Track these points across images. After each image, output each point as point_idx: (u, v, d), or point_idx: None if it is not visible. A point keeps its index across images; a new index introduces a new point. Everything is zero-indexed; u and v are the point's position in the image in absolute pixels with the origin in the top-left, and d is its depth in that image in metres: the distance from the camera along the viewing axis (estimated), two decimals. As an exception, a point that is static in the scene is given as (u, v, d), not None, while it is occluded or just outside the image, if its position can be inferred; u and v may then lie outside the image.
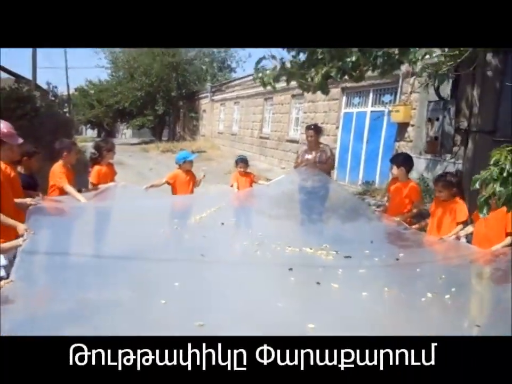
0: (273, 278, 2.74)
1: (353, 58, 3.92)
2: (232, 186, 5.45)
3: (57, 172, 4.24)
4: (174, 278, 2.45)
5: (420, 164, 7.69)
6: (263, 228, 4.04)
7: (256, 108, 17.76)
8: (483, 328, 2.21)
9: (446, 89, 6.95)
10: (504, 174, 2.25)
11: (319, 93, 4.62)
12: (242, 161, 5.52)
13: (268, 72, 4.37)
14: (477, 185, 2.47)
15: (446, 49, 4.04)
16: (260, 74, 4.34)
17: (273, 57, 4.18)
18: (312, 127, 5.50)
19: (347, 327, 2.04)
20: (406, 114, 8.36)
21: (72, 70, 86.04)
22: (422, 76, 6.06)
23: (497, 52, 5.87)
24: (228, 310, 2.14)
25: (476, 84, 6.49)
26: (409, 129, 8.53)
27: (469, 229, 3.69)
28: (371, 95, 10.17)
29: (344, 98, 11.21)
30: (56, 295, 2.07)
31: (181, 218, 4.07)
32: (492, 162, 2.42)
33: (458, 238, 3.67)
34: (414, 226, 4.06)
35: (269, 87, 4.66)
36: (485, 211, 2.52)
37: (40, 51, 34.25)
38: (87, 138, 28.53)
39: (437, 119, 7.26)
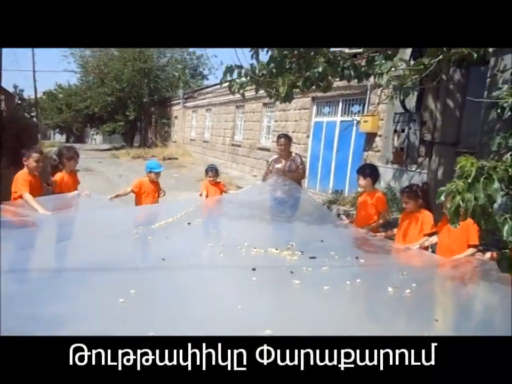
0: (235, 281, 2.73)
1: (320, 69, 3.96)
2: (201, 195, 5.41)
3: (20, 179, 4.13)
4: (131, 285, 2.41)
5: (387, 173, 7.86)
6: (229, 230, 4.05)
7: (228, 115, 17.78)
8: (442, 323, 2.25)
9: (411, 102, 7.14)
10: (469, 180, 2.26)
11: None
12: (212, 171, 5.50)
13: (236, 79, 4.37)
14: (443, 198, 2.48)
15: (412, 63, 4.15)
16: (228, 78, 4.33)
17: (240, 66, 4.17)
18: (283, 136, 5.55)
19: (306, 327, 2.04)
20: (373, 124, 8.54)
21: (40, 73, 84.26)
22: (388, 88, 6.21)
23: (460, 66, 6.09)
24: (184, 317, 2.12)
25: (439, 97, 6.72)
26: (377, 139, 8.72)
27: (434, 239, 3.76)
28: (340, 105, 10.35)
29: (315, 107, 11.36)
30: (8, 310, 2.00)
31: (146, 225, 4.01)
32: (457, 171, 2.44)
33: (425, 248, 3.74)
34: (379, 234, 4.12)
35: (238, 95, 4.67)
36: (455, 222, 2.54)
37: (7, 53, 33.27)
38: (55, 143, 27.79)
39: (403, 131, 7.44)
